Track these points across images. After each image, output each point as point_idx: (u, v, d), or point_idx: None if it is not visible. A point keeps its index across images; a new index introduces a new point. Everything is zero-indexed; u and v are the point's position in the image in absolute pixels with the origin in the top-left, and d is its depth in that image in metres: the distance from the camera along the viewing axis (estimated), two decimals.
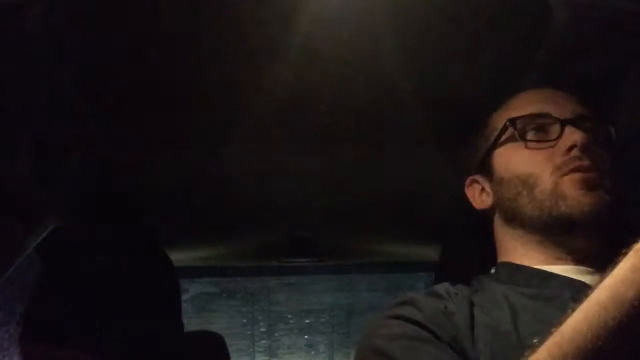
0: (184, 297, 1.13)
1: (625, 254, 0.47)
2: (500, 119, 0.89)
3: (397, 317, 0.76)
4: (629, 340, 0.44)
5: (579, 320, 0.48)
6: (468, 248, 1.03)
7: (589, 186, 0.79)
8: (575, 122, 0.83)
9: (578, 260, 0.80)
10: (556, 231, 0.80)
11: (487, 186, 0.90)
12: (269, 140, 1.16)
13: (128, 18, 0.82)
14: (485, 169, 0.90)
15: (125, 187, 1.29)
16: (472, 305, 0.76)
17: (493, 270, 0.88)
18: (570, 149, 0.81)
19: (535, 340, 0.53)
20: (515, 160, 0.85)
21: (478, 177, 0.92)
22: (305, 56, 0.89)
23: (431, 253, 1.54)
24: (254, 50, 0.89)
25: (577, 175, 0.79)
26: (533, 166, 0.83)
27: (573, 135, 0.81)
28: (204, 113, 1.05)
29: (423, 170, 1.25)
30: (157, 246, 1.03)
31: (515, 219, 0.84)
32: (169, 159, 1.20)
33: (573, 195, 0.78)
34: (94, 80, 0.94)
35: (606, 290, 0.46)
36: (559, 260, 0.81)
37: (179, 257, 1.59)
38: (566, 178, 0.80)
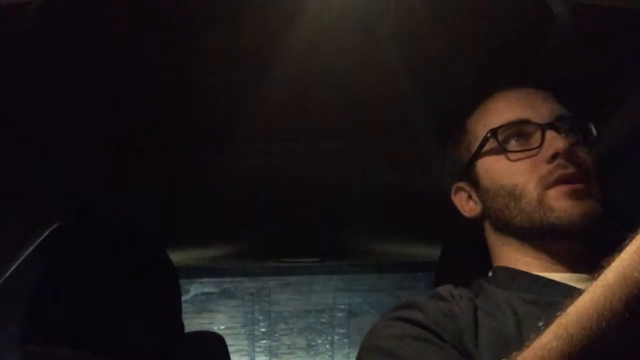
0: (184, 297, 1.13)
1: (632, 238, 0.46)
2: (479, 126, 0.88)
3: (400, 319, 0.75)
4: (635, 321, 0.43)
5: (585, 302, 0.46)
6: (468, 248, 1.03)
7: (576, 196, 0.78)
8: (555, 126, 0.82)
9: (574, 266, 0.80)
10: (549, 240, 0.80)
11: (474, 194, 0.89)
12: (269, 140, 1.16)
13: (127, 18, 0.82)
14: (470, 176, 0.89)
15: (125, 187, 1.30)
16: (475, 308, 0.76)
17: (490, 274, 0.87)
18: (553, 156, 0.80)
19: (540, 324, 0.51)
20: (498, 171, 0.85)
21: (463, 184, 0.91)
22: (305, 57, 0.89)
23: (431, 253, 1.54)
24: (254, 50, 0.89)
25: (564, 187, 0.78)
26: (517, 177, 0.82)
27: (555, 142, 0.80)
28: (204, 113, 1.05)
29: (423, 170, 1.25)
30: (157, 246, 1.02)
31: (505, 228, 0.84)
32: (169, 159, 1.20)
33: (561, 207, 0.78)
34: (94, 80, 0.94)
35: (612, 272, 0.45)
36: (555, 267, 0.81)
37: (179, 257, 1.60)
38: (552, 190, 0.79)
